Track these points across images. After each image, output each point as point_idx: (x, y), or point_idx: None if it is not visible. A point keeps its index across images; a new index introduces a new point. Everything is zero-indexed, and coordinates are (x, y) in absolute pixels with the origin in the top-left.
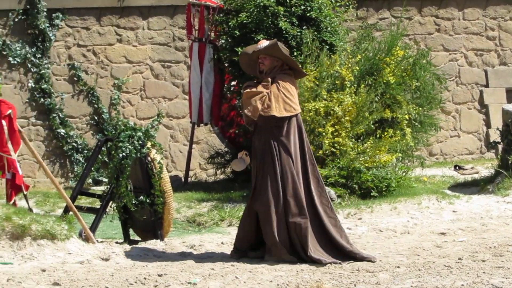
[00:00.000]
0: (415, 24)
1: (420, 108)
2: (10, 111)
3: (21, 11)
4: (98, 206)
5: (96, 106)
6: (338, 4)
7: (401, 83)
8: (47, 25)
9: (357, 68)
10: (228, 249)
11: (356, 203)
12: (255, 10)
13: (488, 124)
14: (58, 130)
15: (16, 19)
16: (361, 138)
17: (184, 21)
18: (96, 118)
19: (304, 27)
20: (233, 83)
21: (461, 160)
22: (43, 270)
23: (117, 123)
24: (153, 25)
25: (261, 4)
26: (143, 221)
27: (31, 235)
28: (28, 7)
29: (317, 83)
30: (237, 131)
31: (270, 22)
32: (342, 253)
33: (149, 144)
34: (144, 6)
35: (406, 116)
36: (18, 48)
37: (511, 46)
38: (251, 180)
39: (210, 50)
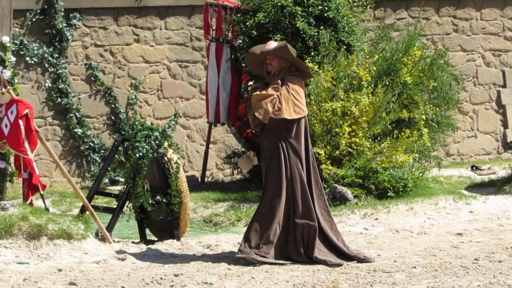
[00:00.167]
0: (433, 24)
1: (437, 109)
2: (27, 110)
3: (38, 11)
4: (115, 206)
5: (113, 106)
6: (355, 4)
7: (419, 83)
8: (65, 25)
9: (374, 68)
10: None
11: (373, 203)
12: (273, 10)
13: (505, 125)
14: (75, 130)
15: (34, 19)
16: (378, 138)
17: (201, 21)
18: (113, 118)
19: (322, 27)
20: (250, 83)
21: (478, 161)
22: (60, 270)
23: (134, 123)
24: (171, 25)
25: (279, 4)
26: (160, 221)
27: (47, 234)
28: (46, 7)
29: (334, 83)
30: (254, 131)
31: (287, 22)
32: (341, 256)
33: (166, 144)
34: (161, 6)
35: (423, 117)
36: (35, 48)
37: None
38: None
39: (227, 50)
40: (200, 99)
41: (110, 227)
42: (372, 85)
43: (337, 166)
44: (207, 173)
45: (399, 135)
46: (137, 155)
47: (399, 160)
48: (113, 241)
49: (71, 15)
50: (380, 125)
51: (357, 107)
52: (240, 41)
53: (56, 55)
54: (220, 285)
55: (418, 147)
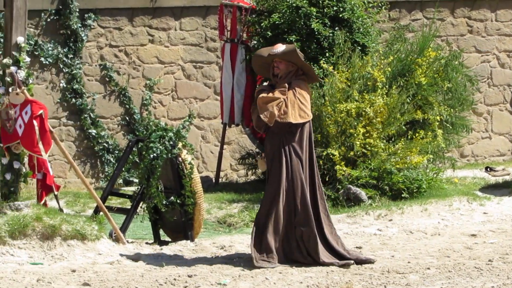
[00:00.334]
0: (448, 25)
1: (452, 110)
2: (41, 111)
3: (53, 11)
4: (129, 207)
5: (127, 106)
6: (370, 5)
7: (433, 84)
8: (79, 25)
9: (389, 69)
10: None
11: (387, 204)
12: (288, 11)
13: None
14: (89, 131)
15: (48, 19)
16: (393, 139)
17: (216, 21)
18: (127, 118)
19: (337, 28)
20: (265, 83)
21: (492, 162)
22: (73, 271)
23: (149, 124)
24: (185, 26)
25: (294, 5)
26: (174, 222)
27: (61, 235)
28: (61, 7)
29: (349, 84)
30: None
31: (302, 23)
32: (343, 259)
33: (180, 145)
34: (176, 6)
35: (438, 118)
36: (50, 48)
37: None
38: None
39: (242, 50)
40: (214, 100)
41: (124, 228)
42: (387, 86)
43: (351, 167)
44: (221, 174)
45: (414, 136)
46: (151, 155)
47: (414, 161)
48: (127, 242)
49: (86, 15)
50: (394, 126)
51: (371, 108)
52: (255, 42)
53: (70, 56)
54: (234, 286)
55: (432, 148)
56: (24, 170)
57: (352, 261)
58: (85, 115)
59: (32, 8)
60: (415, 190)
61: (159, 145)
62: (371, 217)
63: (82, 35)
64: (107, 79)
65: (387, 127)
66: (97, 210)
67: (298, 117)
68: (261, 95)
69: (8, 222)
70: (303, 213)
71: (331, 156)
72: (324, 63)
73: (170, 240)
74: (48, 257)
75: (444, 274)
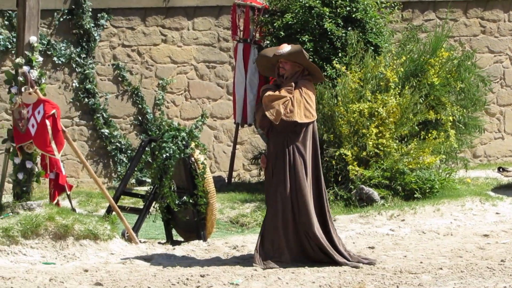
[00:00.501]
0: (460, 25)
1: (464, 110)
2: (54, 111)
3: (66, 11)
4: (141, 207)
5: (140, 106)
6: (383, 5)
7: (446, 84)
8: (92, 25)
9: (402, 69)
10: None
11: (400, 205)
12: (300, 11)
13: None
14: (102, 130)
15: (61, 19)
16: (405, 139)
17: (229, 21)
18: (140, 118)
19: (349, 28)
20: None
21: (505, 162)
22: (86, 270)
23: (161, 124)
24: (198, 26)
25: (307, 5)
26: (186, 222)
27: (73, 235)
28: (73, 7)
29: (362, 84)
30: None
31: (315, 23)
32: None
33: (193, 145)
34: (189, 6)
35: (450, 118)
36: (62, 48)
37: None
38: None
39: (255, 50)
40: (227, 100)
41: (136, 228)
42: (400, 86)
43: (364, 167)
44: (234, 173)
45: (426, 137)
46: (164, 155)
47: (426, 161)
48: (140, 241)
49: (98, 15)
50: (407, 126)
51: (384, 108)
52: (268, 42)
53: (83, 55)
54: (246, 286)
55: (445, 149)
56: (36, 169)
57: (361, 264)
58: (98, 115)
59: (45, 8)
60: (427, 190)
61: (172, 145)
62: (384, 217)
63: (95, 34)
64: (120, 79)
65: (399, 127)
66: (109, 210)
67: (303, 116)
68: (267, 93)
69: (21, 222)
70: (305, 214)
71: (343, 156)
72: (337, 63)
73: (182, 240)
74: (60, 256)
75: (457, 274)
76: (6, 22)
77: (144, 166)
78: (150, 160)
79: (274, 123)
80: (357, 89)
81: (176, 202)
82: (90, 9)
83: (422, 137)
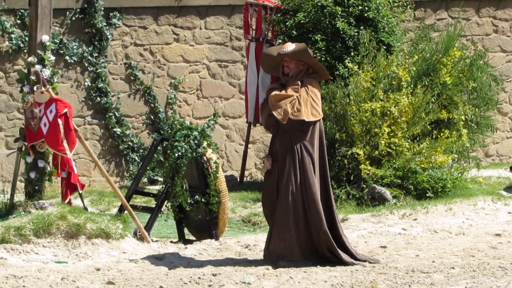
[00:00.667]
0: (473, 24)
1: (477, 109)
2: (66, 110)
3: (78, 10)
4: (153, 205)
5: (152, 105)
6: (395, 4)
7: (458, 84)
8: (104, 24)
9: (414, 68)
10: None
11: (412, 204)
12: (313, 10)
13: None
14: (114, 129)
15: (74, 18)
16: (417, 138)
17: (241, 20)
18: (152, 117)
19: (362, 27)
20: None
21: None
22: (98, 269)
23: (173, 123)
24: (210, 25)
25: (319, 4)
26: (198, 221)
27: (85, 234)
28: (86, 6)
29: (374, 83)
30: None
31: (327, 22)
32: (353, 259)
33: (205, 144)
34: (201, 5)
35: (463, 117)
36: (75, 47)
37: None
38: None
39: None
40: (239, 99)
41: (148, 227)
42: (412, 86)
43: (376, 166)
44: (246, 173)
45: (438, 136)
46: (176, 154)
47: (438, 160)
48: (152, 240)
49: (111, 14)
50: (419, 126)
51: (396, 107)
52: (280, 41)
53: (95, 54)
54: (258, 284)
55: (457, 148)
56: (48, 168)
57: (367, 263)
58: (110, 114)
59: (57, 7)
60: (439, 190)
61: (184, 144)
62: (396, 216)
63: (107, 33)
64: (132, 78)
65: (412, 126)
66: (121, 209)
67: (310, 115)
68: (273, 93)
69: (33, 221)
70: (315, 212)
71: (356, 155)
72: (349, 62)
73: (194, 239)
74: (72, 255)
75: (469, 273)
76: (19, 21)
77: (156, 165)
78: (162, 159)
79: (281, 123)
80: (369, 88)
81: (188, 201)
82: (102, 8)
83: (434, 136)
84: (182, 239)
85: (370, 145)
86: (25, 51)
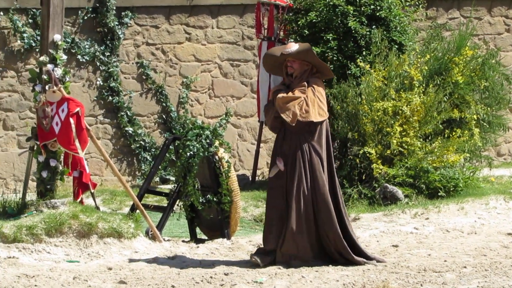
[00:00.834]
0: (485, 24)
1: (489, 108)
2: (78, 109)
3: (90, 9)
4: (165, 205)
5: (164, 104)
6: (407, 3)
7: (470, 83)
8: (116, 23)
9: (426, 67)
10: None
11: (424, 203)
12: (325, 9)
13: None
14: (126, 128)
15: (85, 17)
16: (429, 138)
17: (253, 20)
18: (164, 116)
19: (374, 26)
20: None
21: None
22: (109, 268)
23: (185, 122)
24: (222, 24)
25: (331, 3)
26: (210, 220)
27: (97, 233)
28: (98, 5)
29: (386, 82)
30: None
31: (339, 22)
32: (362, 256)
33: (217, 143)
34: (213, 4)
35: (475, 116)
36: (87, 46)
37: None
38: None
39: None
40: (251, 98)
41: (160, 226)
42: (424, 85)
43: (388, 165)
44: (258, 172)
45: (450, 135)
46: (188, 153)
47: (450, 159)
48: (163, 239)
49: (122, 13)
50: (431, 125)
51: (408, 106)
52: (292, 40)
53: (107, 54)
54: (270, 284)
55: (469, 147)
56: (60, 168)
57: (375, 261)
58: (122, 113)
59: (69, 6)
60: (451, 189)
61: (196, 143)
62: (408, 215)
63: (119, 33)
64: (144, 77)
65: (424, 125)
66: (133, 208)
67: (317, 115)
68: (280, 95)
69: (45, 220)
70: (325, 212)
71: (367, 155)
72: (361, 61)
73: (206, 238)
74: (84, 255)
75: (481, 272)
76: (30, 20)
77: (168, 164)
78: (174, 158)
79: (289, 125)
80: (381, 87)
81: (200, 200)
82: (114, 8)
83: (446, 135)
84: (194, 238)
85: (382, 144)
86: (37, 50)
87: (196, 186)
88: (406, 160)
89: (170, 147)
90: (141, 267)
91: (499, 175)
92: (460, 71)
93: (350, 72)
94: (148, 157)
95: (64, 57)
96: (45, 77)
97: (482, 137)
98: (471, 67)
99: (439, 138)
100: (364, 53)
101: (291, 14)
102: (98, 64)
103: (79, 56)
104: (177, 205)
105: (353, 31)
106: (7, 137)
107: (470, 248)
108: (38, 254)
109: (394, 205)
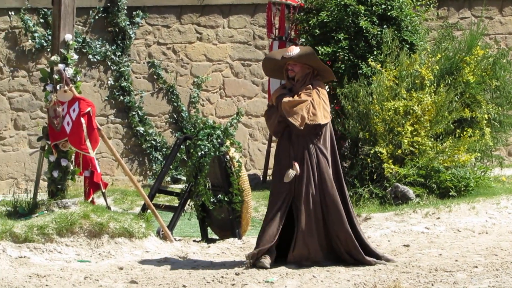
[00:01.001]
0: (496, 23)
1: (500, 108)
2: (89, 108)
3: (101, 9)
4: (176, 204)
5: (175, 104)
6: (418, 3)
7: (481, 82)
8: (127, 23)
9: (437, 67)
10: None
11: (435, 203)
12: (336, 9)
13: None
14: (137, 128)
15: (97, 17)
16: (440, 137)
17: (264, 19)
18: (175, 116)
19: (385, 26)
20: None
21: None
22: (121, 268)
23: (196, 121)
24: (234, 24)
25: (342, 3)
26: (221, 220)
27: (108, 233)
28: (109, 5)
29: (397, 82)
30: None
31: (350, 21)
32: (371, 255)
33: (228, 143)
34: (224, 4)
35: (486, 116)
36: (98, 45)
37: None
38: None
39: None
40: (262, 98)
41: (171, 226)
42: (435, 84)
43: (399, 165)
44: (269, 171)
45: (461, 135)
46: (199, 153)
47: (461, 159)
48: (175, 239)
49: (134, 13)
50: (442, 124)
51: (419, 106)
52: (303, 39)
53: (118, 53)
54: (281, 283)
55: (480, 147)
56: (71, 167)
57: (394, 260)
58: (133, 113)
59: (80, 6)
60: (462, 189)
61: (207, 143)
62: (419, 215)
63: (130, 32)
64: (155, 77)
65: (435, 125)
66: (144, 208)
67: (323, 117)
68: (287, 99)
69: (56, 220)
70: (335, 213)
71: (378, 154)
72: (372, 61)
73: (217, 238)
74: (95, 254)
75: (492, 272)
76: (41, 20)
77: (179, 164)
78: (185, 158)
79: (297, 128)
80: (392, 87)
81: (211, 200)
82: (125, 7)
83: (457, 135)
84: (205, 238)
85: (393, 144)
86: (48, 50)
87: (207, 186)
88: (417, 159)
89: (181, 146)
90: (152, 267)
91: (510, 175)
92: (471, 70)
93: (361, 71)
94: (159, 157)
95: (75, 56)
96: (56, 76)
97: (493, 137)
98: (482, 67)
99: (450, 137)
100: (375, 52)
101: (302, 13)
102: (109, 63)
103: (90, 56)
104: (188, 204)
105: (364, 31)
106: (18, 137)
107: (481, 247)
108: (49, 254)
109: (405, 205)
